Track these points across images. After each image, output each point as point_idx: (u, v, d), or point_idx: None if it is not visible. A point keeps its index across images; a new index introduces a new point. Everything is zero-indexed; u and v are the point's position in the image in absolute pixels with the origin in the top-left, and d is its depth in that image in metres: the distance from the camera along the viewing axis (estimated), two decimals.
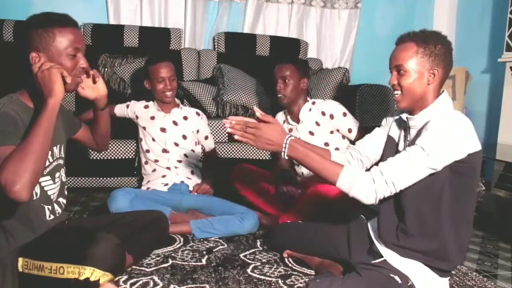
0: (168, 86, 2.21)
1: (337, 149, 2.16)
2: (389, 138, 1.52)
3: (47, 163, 1.33)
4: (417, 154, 1.25)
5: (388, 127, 1.54)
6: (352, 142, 2.19)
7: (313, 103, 2.25)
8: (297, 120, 2.26)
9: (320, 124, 2.20)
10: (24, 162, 1.07)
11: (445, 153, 1.24)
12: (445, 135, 1.24)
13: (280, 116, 2.40)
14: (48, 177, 1.36)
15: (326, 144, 2.20)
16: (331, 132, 2.21)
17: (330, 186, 1.86)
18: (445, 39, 1.37)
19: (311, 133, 2.22)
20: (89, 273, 1.16)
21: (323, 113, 2.19)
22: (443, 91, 1.40)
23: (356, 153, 1.58)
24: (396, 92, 1.40)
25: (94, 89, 1.49)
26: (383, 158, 1.56)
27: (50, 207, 1.37)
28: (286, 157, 1.37)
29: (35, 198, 1.31)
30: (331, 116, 2.17)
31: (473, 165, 1.29)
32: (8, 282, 1.23)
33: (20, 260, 1.25)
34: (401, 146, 1.47)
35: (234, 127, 1.34)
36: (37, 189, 1.31)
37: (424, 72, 1.34)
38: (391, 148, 1.51)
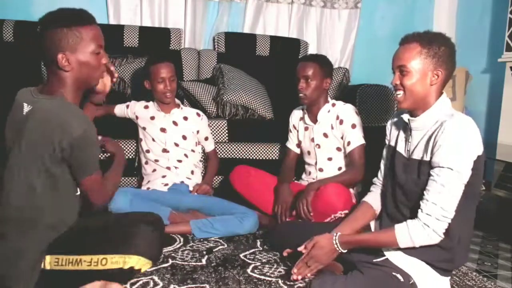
0: (168, 86, 2.21)
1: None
2: (389, 147, 1.53)
3: None
4: (449, 177, 1.26)
5: (389, 137, 1.55)
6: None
7: (333, 104, 2.17)
8: (315, 120, 2.19)
9: (334, 127, 2.14)
10: (114, 190, 1.51)
11: (468, 162, 1.27)
12: (463, 147, 1.26)
13: (298, 113, 2.33)
14: None
15: (338, 149, 2.16)
16: (342, 138, 2.14)
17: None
18: (449, 41, 1.36)
19: (325, 135, 2.16)
20: (135, 261, 1.20)
21: (337, 117, 2.13)
22: (442, 92, 1.40)
23: (380, 185, 1.60)
24: (398, 92, 1.38)
25: (100, 83, 1.48)
26: (384, 165, 1.56)
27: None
28: (345, 252, 1.45)
29: (77, 193, 1.34)
30: (341, 122, 2.11)
31: (478, 166, 1.30)
32: (24, 278, 1.23)
33: (48, 258, 1.24)
34: (400, 146, 1.46)
35: (301, 274, 1.48)
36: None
37: (427, 73, 1.33)
38: (389, 152, 1.51)
